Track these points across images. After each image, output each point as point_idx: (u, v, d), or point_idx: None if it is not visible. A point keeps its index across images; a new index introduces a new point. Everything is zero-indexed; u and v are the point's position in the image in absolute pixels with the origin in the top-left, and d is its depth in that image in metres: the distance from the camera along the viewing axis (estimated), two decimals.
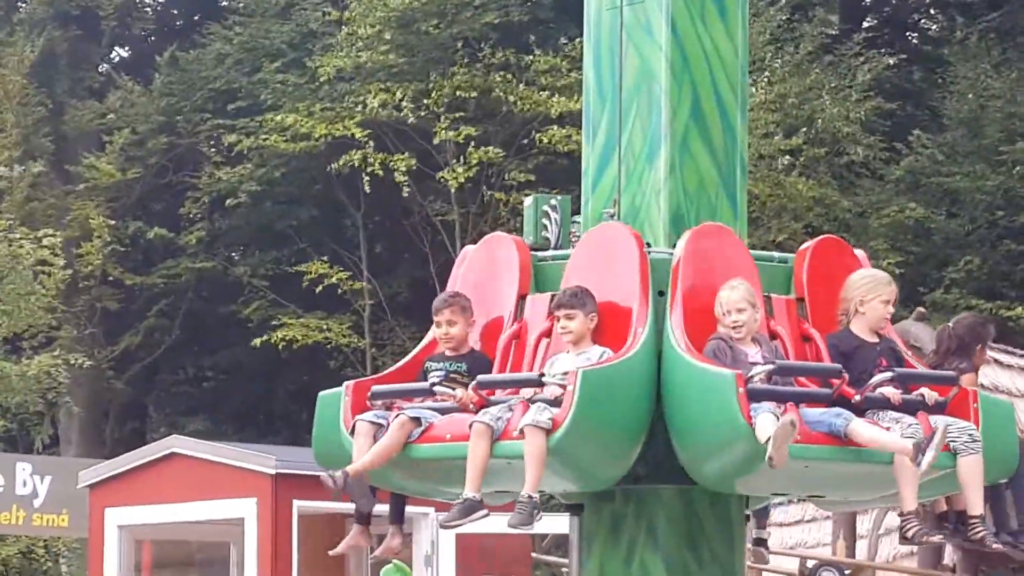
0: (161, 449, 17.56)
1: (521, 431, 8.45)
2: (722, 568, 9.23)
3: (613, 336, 8.91)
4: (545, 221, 9.72)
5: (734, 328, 8.82)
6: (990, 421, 8.95)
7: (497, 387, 8.78)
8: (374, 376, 9.64)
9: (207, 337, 45.87)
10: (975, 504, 9.03)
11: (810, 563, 26.69)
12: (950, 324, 11.84)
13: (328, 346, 40.32)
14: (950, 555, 29.24)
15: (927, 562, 28.11)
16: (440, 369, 8.95)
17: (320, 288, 40.42)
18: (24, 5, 47.53)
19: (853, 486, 9.36)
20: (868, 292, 9.21)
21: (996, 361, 29.36)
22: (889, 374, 8.90)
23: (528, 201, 9.92)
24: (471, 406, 8.74)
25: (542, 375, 8.73)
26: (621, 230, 9.12)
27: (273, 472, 16.61)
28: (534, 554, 13.69)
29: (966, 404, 8.95)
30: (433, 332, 9.13)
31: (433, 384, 8.90)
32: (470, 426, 8.54)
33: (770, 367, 8.62)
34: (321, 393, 9.09)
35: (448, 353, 9.07)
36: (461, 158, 39.18)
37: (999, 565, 29.22)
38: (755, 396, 8.26)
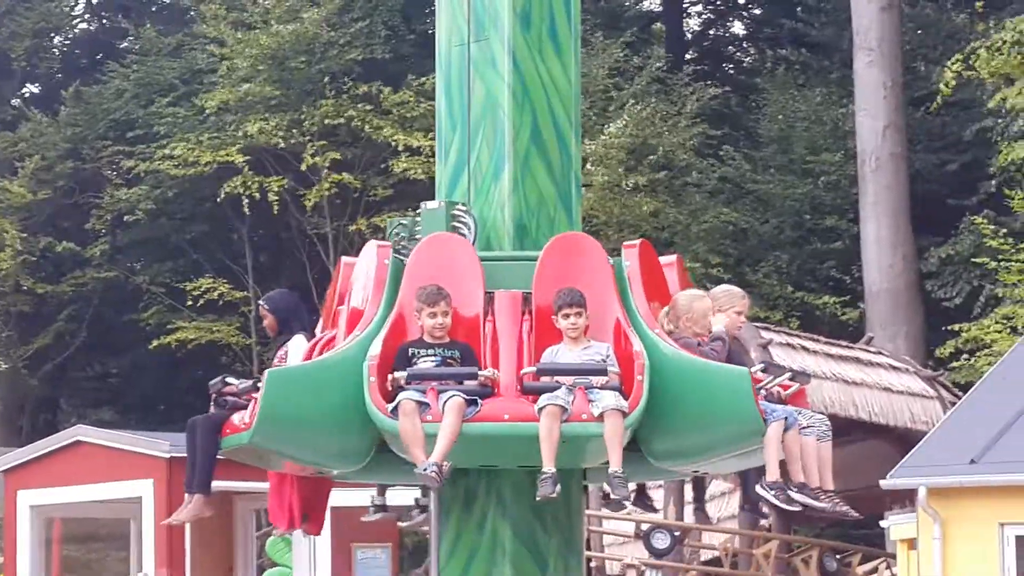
0: (68, 437, 17.49)
1: (600, 415, 8.49)
2: (562, 533, 9.21)
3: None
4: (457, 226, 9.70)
5: (702, 334, 9.23)
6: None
7: (560, 374, 8.66)
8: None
9: (111, 339, 45.43)
10: (828, 479, 9.36)
11: (644, 526, 26.78)
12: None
13: (219, 345, 40.21)
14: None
15: (747, 523, 28.29)
16: (434, 355, 8.70)
17: (202, 301, 40.64)
18: None
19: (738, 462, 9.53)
20: (726, 303, 9.52)
21: (803, 348, 29.64)
22: (789, 373, 9.47)
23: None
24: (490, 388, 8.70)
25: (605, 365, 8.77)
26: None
27: (168, 456, 16.63)
28: (401, 523, 13.48)
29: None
30: (424, 322, 8.77)
31: (472, 369, 8.76)
32: (540, 409, 8.46)
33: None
34: (269, 371, 8.75)
35: (430, 340, 8.78)
36: (326, 181, 39.75)
37: (810, 524, 29.65)
38: None
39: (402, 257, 9.10)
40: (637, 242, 9.58)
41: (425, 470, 8.33)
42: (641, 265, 9.30)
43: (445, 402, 8.44)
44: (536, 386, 8.61)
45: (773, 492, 9.05)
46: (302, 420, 8.62)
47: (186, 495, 9.59)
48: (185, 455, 9.88)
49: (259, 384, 8.79)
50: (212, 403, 9.46)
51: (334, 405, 8.62)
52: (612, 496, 8.98)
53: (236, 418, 9.05)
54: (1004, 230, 33.21)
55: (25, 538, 13.97)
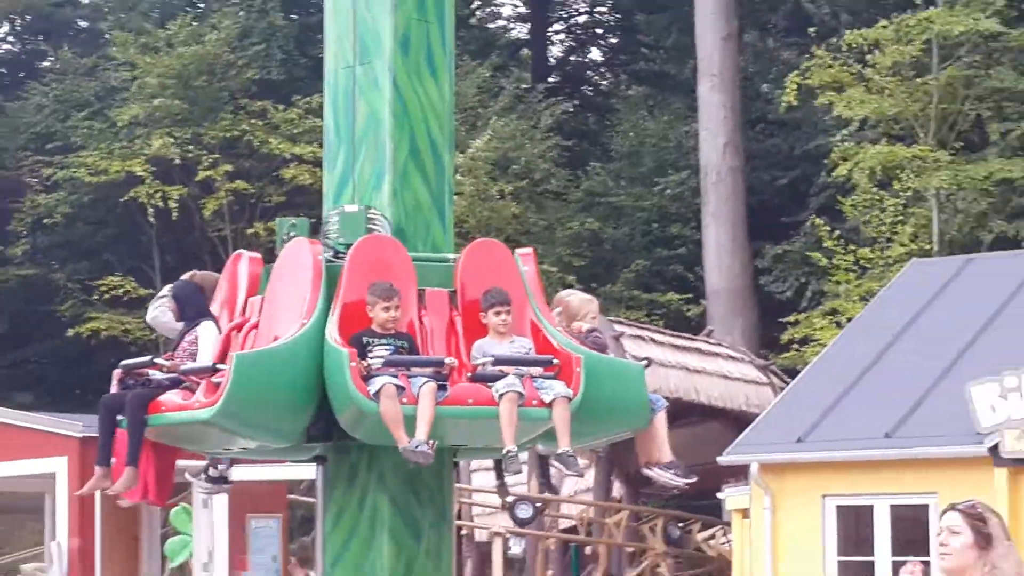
0: None
1: (550, 402, 8.58)
2: (435, 505, 9.13)
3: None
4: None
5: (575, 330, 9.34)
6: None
7: (516, 364, 8.69)
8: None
9: (30, 329, 44.85)
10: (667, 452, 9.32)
11: (509, 498, 26.83)
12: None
13: (128, 336, 39.82)
14: (618, 489, 29.68)
15: (600, 495, 28.45)
16: (387, 344, 8.59)
17: (108, 296, 40.61)
18: None
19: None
20: (581, 308, 9.53)
21: (652, 339, 29.80)
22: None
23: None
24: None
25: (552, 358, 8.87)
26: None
27: (80, 435, 16.48)
28: (290, 496, 13.43)
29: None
30: (377, 314, 8.67)
31: (441, 358, 8.76)
32: (501, 395, 8.48)
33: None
34: (238, 354, 8.55)
35: (381, 331, 8.67)
36: (221, 189, 39.77)
37: (656, 496, 29.80)
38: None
39: (333, 256, 8.95)
40: (529, 250, 9.61)
41: (417, 447, 8.31)
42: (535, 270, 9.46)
43: (420, 387, 8.41)
44: (487, 374, 8.62)
45: (672, 471, 9.13)
46: (264, 401, 8.51)
47: (97, 468, 9.22)
48: (97, 435, 9.76)
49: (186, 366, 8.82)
50: (119, 383, 9.18)
51: (292, 387, 8.55)
52: (564, 472, 9.11)
53: (172, 398, 8.86)
54: (837, 231, 33.50)
55: None
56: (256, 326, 9.02)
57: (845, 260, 32.95)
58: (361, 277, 8.83)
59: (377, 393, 8.34)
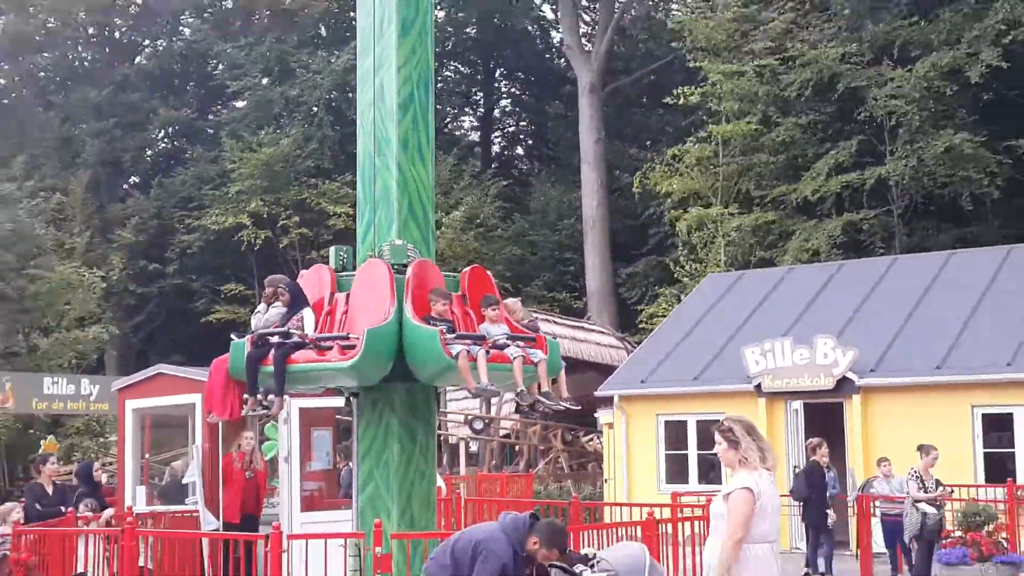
0: (152, 371, 16.59)
1: (536, 362, 8.84)
2: (424, 420, 9.13)
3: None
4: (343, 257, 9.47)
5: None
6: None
7: (516, 340, 8.86)
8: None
9: (179, 318, 44.25)
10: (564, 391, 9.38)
11: (469, 417, 26.86)
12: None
13: (237, 320, 38.46)
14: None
15: (522, 415, 28.43)
16: (443, 326, 8.51)
17: (226, 296, 39.89)
18: None
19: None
20: (516, 308, 9.45)
21: (553, 321, 29.80)
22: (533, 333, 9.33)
23: (331, 249, 9.70)
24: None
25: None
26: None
27: (206, 380, 16.14)
28: (336, 415, 13.37)
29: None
30: (438, 307, 8.62)
31: (509, 335, 8.87)
32: (515, 358, 8.70)
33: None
34: (369, 329, 8.42)
35: (438, 318, 8.59)
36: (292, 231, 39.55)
37: (555, 415, 29.88)
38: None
39: (400, 272, 8.83)
40: (469, 268, 9.58)
41: (486, 388, 8.40)
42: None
43: (478, 352, 8.47)
44: (500, 344, 8.77)
45: (566, 401, 9.17)
46: (377, 358, 8.44)
47: (248, 398, 8.95)
48: (207, 378, 9.50)
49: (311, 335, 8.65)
50: (251, 344, 8.84)
51: (390, 350, 8.48)
52: (546, 402, 8.95)
53: (306, 354, 8.59)
54: (679, 255, 33.07)
55: (128, 426, 13.64)
56: (346, 312, 8.88)
57: (678, 272, 32.88)
58: (419, 285, 8.79)
59: (456, 355, 8.38)
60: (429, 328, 8.45)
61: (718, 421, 6.53)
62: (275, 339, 8.69)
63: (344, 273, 9.27)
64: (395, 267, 8.81)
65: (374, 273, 8.84)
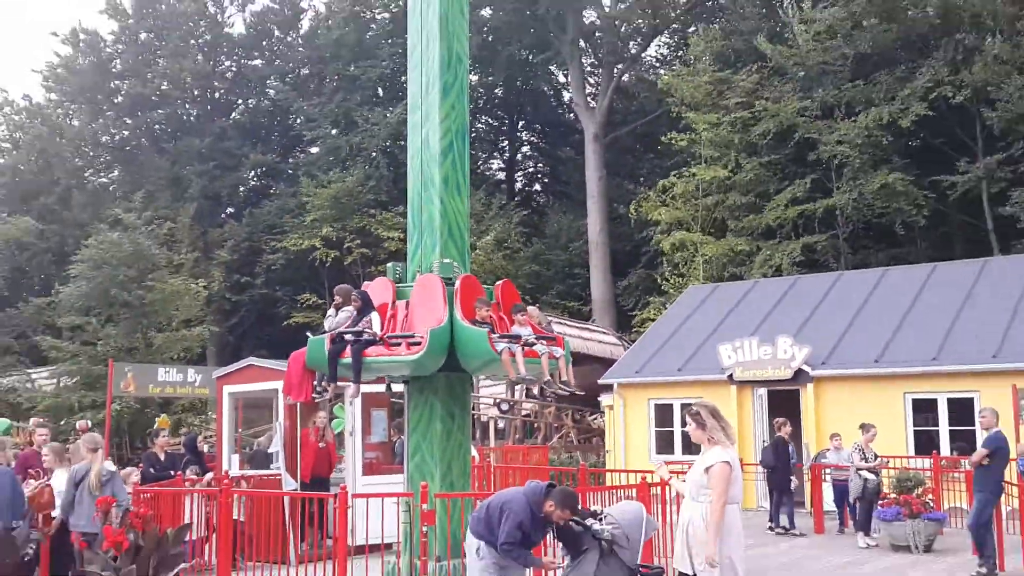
0: (244, 362, 16.32)
1: (559, 357, 8.67)
2: (461, 402, 9.03)
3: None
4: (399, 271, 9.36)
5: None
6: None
7: (542, 340, 8.67)
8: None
9: (265, 320, 44.39)
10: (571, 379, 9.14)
11: (497, 400, 26.82)
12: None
13: (311, 324, 38.16)
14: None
15: (541, 398, 28.27)
16: (488, 327, 8.37)
17: (304, 304, 39.51)
18: None
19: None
20: (536, 314, 9.30)
21: (565, 324, 29.68)
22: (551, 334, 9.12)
23: (388, 266, 9.69)
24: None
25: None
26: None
27: (285, 370, 15.82)
28: (392, 398, 13.34)
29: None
30: (481, 313, 8.45)
31: (535, 336, 8.65)
32: (542, 354, 8.54)
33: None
34: (432, 329, 8.21)
35: (482, 321, 8.42)
36: (355, 252, 39.14)
37: (565, 398, 29.78)
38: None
39: (449, 284, 8.73)
40: (501, 282, 9.51)
41: (525, 376, 8.33)
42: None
43: (515, 348, 8.37)
44: (529, 342, 8.63)
45: (564, 387, 8.96)
46: (436, 353, 8.34)
47: (325, 382, 8.70)
48: (286, 368, 9.36)
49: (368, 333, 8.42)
50: (330, 341, 8.58)
51: (444, 346, 8.38)
52: (567, 389, 8.73)
53: (378, 350, 8.36)
54: (666, 271, 32.90)
55: (225, 407, 13.69)
56: (406, 316, 8.78)
57: (665, 285, 32.76)
58: (465, 295, 8.71)
59: (500, 351, 8.35)
60: (479, 329, 8.41)
61: (690, 405, 6.51)
62: (350, 337, 8.61)
63: (401, 284, 9.24)
64: (445, 280, 8.79)
65: (430, 285, 8.81)
